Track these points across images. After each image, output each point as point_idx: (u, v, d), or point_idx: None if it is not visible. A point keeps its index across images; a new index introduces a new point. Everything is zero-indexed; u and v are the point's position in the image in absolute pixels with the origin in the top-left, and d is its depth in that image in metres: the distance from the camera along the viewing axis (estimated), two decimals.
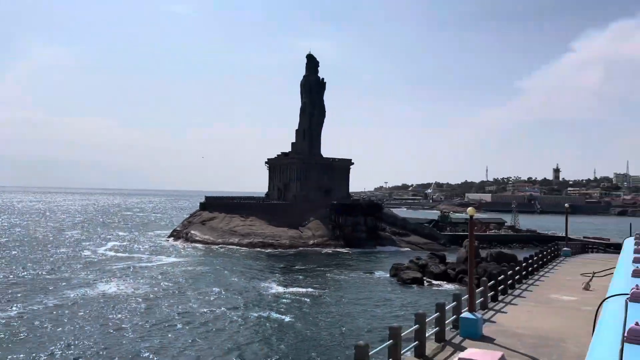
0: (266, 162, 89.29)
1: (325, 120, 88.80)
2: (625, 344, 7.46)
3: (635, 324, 8.07)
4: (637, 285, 11.92)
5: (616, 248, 43.74)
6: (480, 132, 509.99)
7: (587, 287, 20.55)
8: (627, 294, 11.61)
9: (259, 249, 64.09)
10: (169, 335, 25.68)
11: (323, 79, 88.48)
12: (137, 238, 77.64)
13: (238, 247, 65.05)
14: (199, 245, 66.74)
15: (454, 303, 13.95)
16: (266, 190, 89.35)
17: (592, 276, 22.96)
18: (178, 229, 79.70)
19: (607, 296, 12.68)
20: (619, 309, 10.63)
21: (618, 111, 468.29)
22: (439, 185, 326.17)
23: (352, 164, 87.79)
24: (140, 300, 33.76)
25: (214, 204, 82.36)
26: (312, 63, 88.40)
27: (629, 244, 24.68)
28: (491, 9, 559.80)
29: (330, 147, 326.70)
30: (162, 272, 45.59)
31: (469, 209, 14.28)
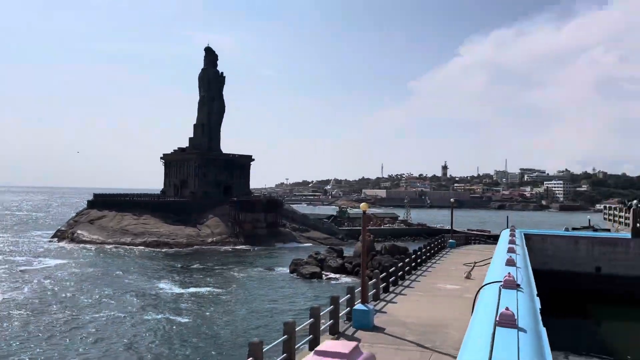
0: (162, 158, 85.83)
1: (226, 115, 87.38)
2: (497, 327, 8.16)
3: (506, 309, 8.84)
4: (509, 273, 13.06)
5: (495, 239, 47.84)
6: (377, 130, 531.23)
7: (468, 276, 22.22)
8: (501, 281, 12.68)
9: (153, 248, 61.48)
10: (56, 345, 23.76)
11: (222, 73, 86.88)
12: (14, 239, 70.90)
13: (131, 247, 61.92)
14: (88, 246, 62.55)
15: (348, 296, 14.42)
16: (162, 187, 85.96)
17: (474, 266, 24.91)
18: (63, 229, 74.09)
19: (483, 284, 13.78)
20: (493, 295, 11.60)
21: (499, 113, 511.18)
22: (337, 182, 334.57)
23: (253, 160, 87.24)
24: (21, 307, 30.89)
25: (104, 202, 77.49)
26: (210, 56, 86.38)
27: (504, 236, 27.18)
28: (390, 11, 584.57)
29: (231, 143, 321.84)
30: (47, 275, 42.12)
31: (362, 204, 14.84)
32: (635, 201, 36.33)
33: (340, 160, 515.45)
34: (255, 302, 33.26)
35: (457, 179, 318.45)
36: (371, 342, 12.19)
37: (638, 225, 29.43)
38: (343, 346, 4.68)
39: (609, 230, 36.00)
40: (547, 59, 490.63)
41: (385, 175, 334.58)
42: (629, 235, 29.63)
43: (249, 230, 68.40)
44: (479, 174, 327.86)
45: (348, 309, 14.15)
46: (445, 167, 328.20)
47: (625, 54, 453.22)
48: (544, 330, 8.69)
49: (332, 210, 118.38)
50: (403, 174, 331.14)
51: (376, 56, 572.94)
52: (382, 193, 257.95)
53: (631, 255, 29.00)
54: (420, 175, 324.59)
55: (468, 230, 78.61)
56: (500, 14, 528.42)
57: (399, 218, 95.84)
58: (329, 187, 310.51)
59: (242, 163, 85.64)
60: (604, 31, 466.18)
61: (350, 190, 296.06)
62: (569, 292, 28.89)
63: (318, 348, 4.96)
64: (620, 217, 34.67)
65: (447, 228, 49.24)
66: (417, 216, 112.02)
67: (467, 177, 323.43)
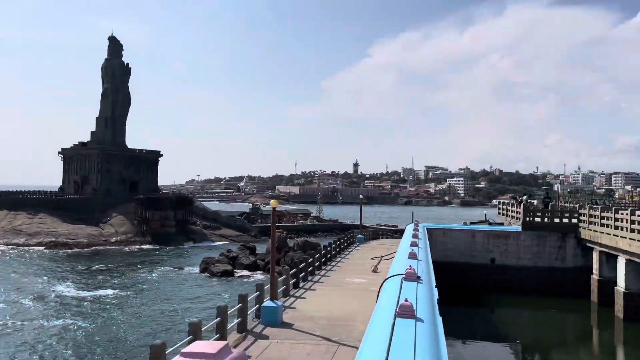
0: (60, 153, 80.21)
1: (133, 109, 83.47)
2: (397, 318, 8.51)
3: (405, 301, 9.24)
4: (410, 266, 13.64)
5: (402, 233, 49.93)
6: (291, 127, 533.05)
7: (375, 270, 23.00)
8: (403, 274, 13.23)
9: (51, 249, 57.31)
10: None
11: (128, 64, 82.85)
12: None
13: (26, 249, 57.29)
14: None
15: (257, 293, 14.37)
16: (60, 184, 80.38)
17: (380, 259, 25.81)
18: None
19: (387, 277, 14.32)
20: (395, 287, 12.07)
21: (407, 113, 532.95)
22: (251, 179, 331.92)
23: (161, 155, 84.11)
24: None
25: None
26: (115, 46, 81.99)
27: (409, 230, 28.41)
28: (303, 10, 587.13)
29: (138, 137, 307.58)
30: None
31: (272, 201, 14.85)
32: (525, 197, 39.54)
33: (254, 157, 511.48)
34: (163, 303, 32.15)
35: (367, 176, 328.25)
36: (279, 338, 12.26)
37: (527, 219, 32.02)
38: (211, 346, 4.63)
39: (502, 223, 38.87)
40: (451, 63, 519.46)
41: (299, 172, 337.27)
42: (519, 228, 32.16)
43: (157, 229, 65.88)
44: (387, 171, 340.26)
45: (257, 306, 14.10)
46: (356, 165, 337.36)
47: (520, 61, 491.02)
48: (440, 319, 9.20)
49: (245, 207, 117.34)
50: (316, 171, 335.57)
51: (289, 54, 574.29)
52: (295, 190, 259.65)
53: (521, 247, 31.51)
54: (332, 172, 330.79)
55: (377, 225, 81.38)
56: (407, 17, 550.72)
57: (312, 214, 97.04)
58: (242, 183, 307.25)
59: (150, 159, 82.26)
60: (501, 39, 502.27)
61: (264, 187, 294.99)
62: (467, 283, 30.85)
63: (185, 349, 4.87)
64: (512, 211, 37.55)
65: (357, 223, 50.63)
66: (330, 212, 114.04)
67: (376, 174, 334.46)
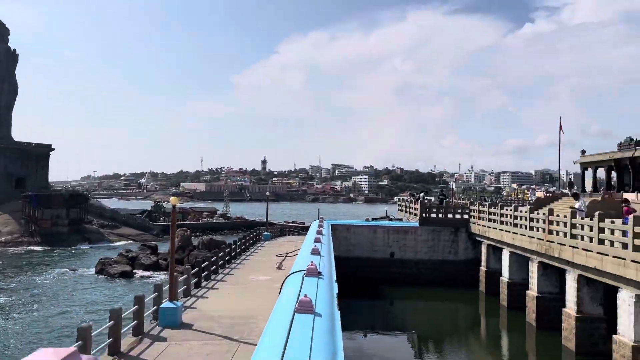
0: None
1: (20, 98, 76.67)
2: (296, 314, 8.61)
3: (304, 296, 9.38)
4: (312, 262, 13.86)
5: (308, 230, 50.67)
6: (198, 122, 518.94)
7: (280, 267, 23.11)
8: (304, 270, 13.40)
9: None
10: None
11: (15, 50, 76.00)
12: None
13: None
14: None
15: (155, 294, 13.88)
16: None
17: (285, 256, 25.99)
18: None
19: (289, 273, 14.41)
20: (297, 283, 12.20)
21: (315, 111, 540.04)
22: (153, 175, 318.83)
23: (53, 150, 78.19)
24: None
25: None
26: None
27: (313, 227, 28.88)
28: (211, 2, 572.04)
29: (26, 130, 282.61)
30: None
31: (172, 198, 14.39)
32: (422, 194, 41.69)
33: (158, 153, 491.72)
34: (53, 308, 29.96)
35: (275, 173, 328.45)
36: (177, 339, 11.93)
37: (424, 215, 33.82)
38: (55, 355, 4.35)
39: (401, 219, 40.72)
40: (357, 64, 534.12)
41: (206, 169, 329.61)
42: (417, 224, 33.88)
43: (48, 229, 61.15)
44: (296, 169, 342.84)
45: (155, 307, 13.61)
46: (264, 162, 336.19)
47: (419, 64, 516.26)
48: (338, 314, 9.46)
49: (147, 204, 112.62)
50: (223, 168, 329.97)
51: (197, 47, 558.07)
52: (201, 187, 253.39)
53: (418, 242, 33.24)
54: (240, 169, 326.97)
55: (284, 222, 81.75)
56: (315, 16, 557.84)
57: (219, 212, 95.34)
58: (143, 180, 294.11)
59: (40, 153, 76.15)
60: (403, 43, 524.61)
61: (167, 184, 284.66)
62: (368, 276, 31.99)
63: (25, 359, 4.58)
64: (410, 208, 39.46)
65: (265, 221, 50.54)
66: (237, 210, 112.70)
67: (285, 171, 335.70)
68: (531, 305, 22.63)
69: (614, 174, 36.42)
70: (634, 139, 33.06)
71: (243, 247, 29.25)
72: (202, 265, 19.50)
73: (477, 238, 31.50)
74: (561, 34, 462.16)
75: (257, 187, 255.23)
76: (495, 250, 28.85)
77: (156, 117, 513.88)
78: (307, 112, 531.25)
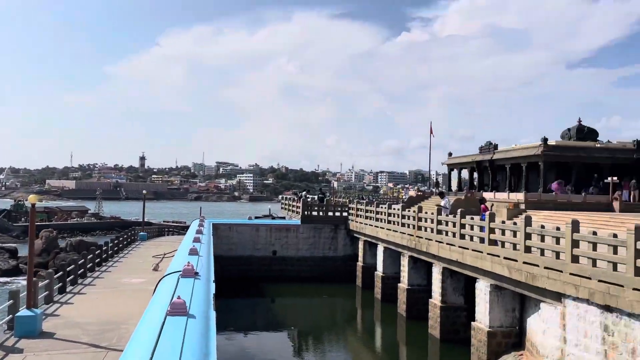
0: None
1: None
2: (168, 317, 8.30)
3: (178, 298, 9.07)
4: (188, 262, 13.47)
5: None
6: (66, 115, 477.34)
7: (156, 268, 22.13)
8: (180, 271, 12.96)
9: None
10: None
11: None
12: None
13: None
14: None
15: (11, 301, 12.57)
16: None
17: (163, 257, 24.97)
18: None
19: (164, 275, 13.84)
20: (171, 285, 11.77)
21: (199, 107, 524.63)
22: (14, 171, 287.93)
23: None
24: None
25: None
26: None
27: (193, 226, 28.13)
28: None
29: None
30: None
31: (31, 196, 13.13)
32: (304, 192, 42.56)
33: (19, 147, 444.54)
34: None
35: (155, 170, 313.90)
36: (36, 350, 10.90)
37: (306, 213, 34.51)
38: None
39: (284, 218, 41.19)
40: (242, 60, 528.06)
41: (76, 165, 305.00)
42: (299, 221, 34.48)
43: None
44: (177, 166, 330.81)
45: (10, 316, 12.33)
46: (143, 158, 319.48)
47: (304, 65, 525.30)
48: (213, 314, 9.32)
49: (6, 203, 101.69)
50: (96, 164, 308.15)
51: (65, 32, 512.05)
52: (70, 184, 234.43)
53: (300, 239, 33.86)
54: (116, 165, 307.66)
55: (164, 221, 78.53)
56: (200, 9, 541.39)
57: (90, 211, 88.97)
58: (2, 176, 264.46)
59: None
60: (288, 42, 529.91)
61: (30, 181, 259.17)
62: (251, 275, 31.91)
63: None
64: (293, 206, 40.05)
65: (141, 220, 48.13)
66: (112, 209, 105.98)
67: (165, 168, 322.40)
68: (402, 297, 24.12)
69: (476, 175, 40.13)
70: (493, 143, 36.69)
71: (116, 248, 27.60)
72: (68, 269, 18.04)
73: (355, 235, 32.86)
74: (433, 44, 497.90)
75: (134, 185, 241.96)
76: (371, 246, 30.30)
77: (19, 109, 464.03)
78: (190, 107, 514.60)
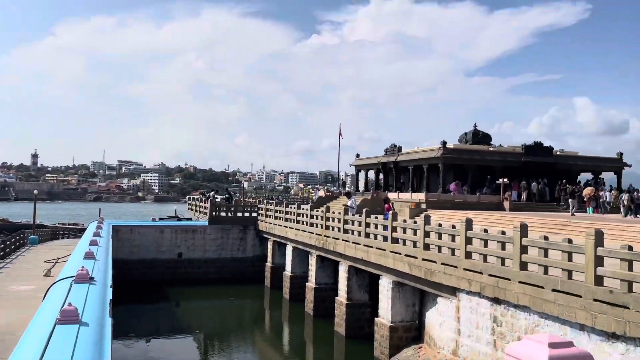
0: None
1: None
2: (57, 325, 7.73)
3: (69, 305, 8.49)
4: (82, 267, 12.66)
5: None
6: None
7: (48, 274, 20.52)
8: (74, 276, 12.16)
9: None
10: None
11: None
12: None
13: None
14: None
15: None
16: None
17: (56, 262, 23.21)
18: None
19: (55, 281, 12.92)
20: (63, 292, 10.99)
21: (99, 102, 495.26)
22: None
23: None
24: None
25: None
26: None
27: (91, 228, 26.51)
28: None
29: None
30: None
31: None
32: (212, 193, 41.67)
33: None
34: None
35: (49, 169, 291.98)
36: None
37: (214, 213, 33.82)
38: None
39: (191, 219, 40.07)
40: (147, 55, 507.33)
41: None
42: (206, 222, 33.70)
43: None
44: (75, 165, 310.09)
45: None
46: (35, 156, 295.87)
47: (214, 63, 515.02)
48: (109, 321, 8.82)
49: None
50: None
51: None
52: None
53: (207, 240, 33.11)
54: (4, 163, 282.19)
55: (59, 224, 73.19)
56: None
57: None
58: None
59: None
60: (196, 38, 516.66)
61: None
62: (154, 279, 30.66)
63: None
64: (200, 207, 39.08)
65: (32, 222, 44.49)
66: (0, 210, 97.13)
67: (61, 167, 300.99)
68: (309, 296, 24.40)
69: (381, 176, 41.62)
70: (397, 146, 38.26)
71: (2, 253, 25.25)
72: None
73: (265, 235, 32.73)
74: (342, 48, 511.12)
75: (25, 185, 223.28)
76: (280, 247, 30.33)
77: None
78: (89, 102, 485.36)
